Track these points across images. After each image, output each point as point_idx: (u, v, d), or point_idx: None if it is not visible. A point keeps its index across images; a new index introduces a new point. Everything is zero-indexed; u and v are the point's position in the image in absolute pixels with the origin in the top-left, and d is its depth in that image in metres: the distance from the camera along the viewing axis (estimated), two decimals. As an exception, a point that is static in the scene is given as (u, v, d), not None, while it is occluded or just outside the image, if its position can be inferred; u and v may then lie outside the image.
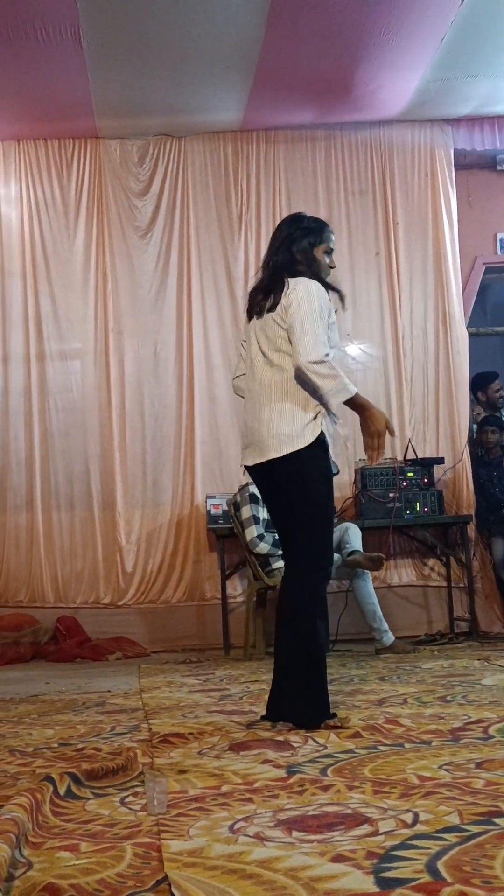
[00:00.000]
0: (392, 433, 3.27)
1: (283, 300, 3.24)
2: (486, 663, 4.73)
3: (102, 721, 3.41)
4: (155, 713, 3.53)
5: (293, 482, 3.20)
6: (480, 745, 2.57)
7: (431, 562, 6.82)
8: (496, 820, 1.80)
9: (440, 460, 6.65)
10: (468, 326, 7.07)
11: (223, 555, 6.39)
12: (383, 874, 1.52)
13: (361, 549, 5.70)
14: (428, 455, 6.71)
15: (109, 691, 4.38)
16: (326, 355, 3.14)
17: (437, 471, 6.65)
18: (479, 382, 7.21)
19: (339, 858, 1.61)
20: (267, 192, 6.98)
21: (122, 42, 5.65)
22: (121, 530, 6.76)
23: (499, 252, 7.15)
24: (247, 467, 3.37)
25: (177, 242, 6.95)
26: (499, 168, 7.10)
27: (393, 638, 5.68)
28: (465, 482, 6.79)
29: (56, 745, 2.91)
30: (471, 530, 6.64)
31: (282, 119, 6.83)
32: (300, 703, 3.06)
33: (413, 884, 1.46)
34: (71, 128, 6.78)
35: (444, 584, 6.70)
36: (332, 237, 3.45)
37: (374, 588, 5.84)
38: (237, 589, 6.65)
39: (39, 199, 6.97)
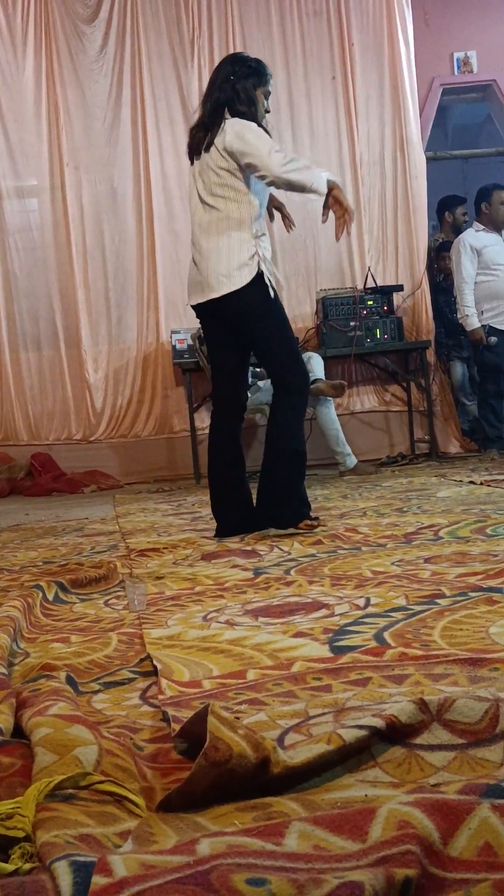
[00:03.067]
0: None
1: (219, 140, 3.31)
2: (442, 479, 4.99)
3: (82, 543, 3.64)
4: (131, 534, 3.77)
5: (239, 320, 3.38)
6: (430, 545, 2.82)
7: (392, 388, 7.03)
8: (438, 601, 2.03)
9: (399, 288, 6.74)
10: (427, 151, 7.04)
11: (190, 388, 6.54)
12: (337, 643, 1.75)
13: (324, 378, 5.88)
14: (387, 283, 6.81)
15: (87, 518, 4.61)
16: (284, 155, 3.25)
17: (397, 298, 6.77)
18: (449, 203, 7.18)
19: (298, 635, 1.84)
20: (219, 15, 6.78)
21: None
22: (88, 368, 6.88)
23: (456, 73, 7.05)
24: (192, 306, 3.52)
25: (129, 71, 6.78)
26: (455, -16, 6.92)
27: (356, 461, 5.94)
28: (423, 308, 6.92)
29: (41, 563, 3.13)
30: (430, 356, 6.82)
31: None
32: (286, 506, 3.38)
33: (362, 649, 1.69)
34: (12, -50, 6.49)
35: (405, 408, 6.93)
36: (271, 81, 3.50)
37: (338, 415, 6.05)
38: (205, 421, 6.83)
39: (-16, 28, 6.74)
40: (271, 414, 3.54)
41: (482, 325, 6.04)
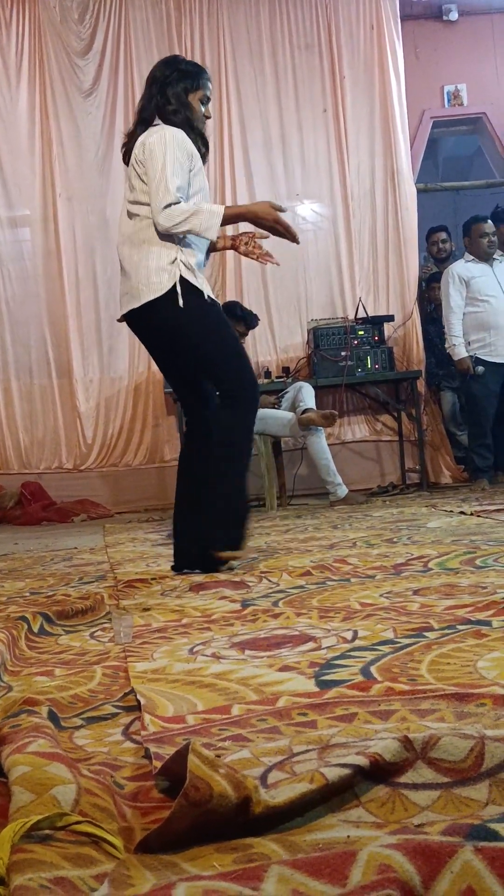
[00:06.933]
0: (281, 209, 3.22)
1: (136, 150, 3.20)
2: (433, 510, 4.98)
3: (71, 573, 3.62)
4: (120, 564, 3.75)
5: (166, 330, 3.22)
6: (420, 576, 2.80)
7: (383, 417, 7.04)
8: (426, 633, 2.02)
9: (390, 318, 6.77)
10: (417, 182, 7.10)
11: (181, 418, 6.53)
12: (323, 678, 1.73)
13: (315, 407, 5.88)
14: (378, 313, 6.83)
15: (76, 548, 4.59)
16: (178, 200, 3.10)
17: (388, 328, 6.80)
18: (427, 236, 7.28)
19: (285, 668, 1.82)
20: (211, 49, 6.85)
21: None
22: (79, 397, 6.88)
23: (446, 105, 7.12)
24: (125, 318, 3.38)
25: (122, 103, 6.84)
26: (445, 18, 6.99)
27: (347, 490, 5.93)
28: (414, 339, 6.95)
29: (28, 594, 3.10)
30: (421, 386, 6.84)
31: (224, -30, 6.65)
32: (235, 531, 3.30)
33: (348, 683, 1.67)
34: (7, -16, 6.56)
35: (396, 438, 6.94)
36: (210, 85, 3.34)
37: (329, 444, 6.05)
38: (196, 450, 6.81)
39: (-22, 62, 6.80)
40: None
41: (469, 356, 6.05)
